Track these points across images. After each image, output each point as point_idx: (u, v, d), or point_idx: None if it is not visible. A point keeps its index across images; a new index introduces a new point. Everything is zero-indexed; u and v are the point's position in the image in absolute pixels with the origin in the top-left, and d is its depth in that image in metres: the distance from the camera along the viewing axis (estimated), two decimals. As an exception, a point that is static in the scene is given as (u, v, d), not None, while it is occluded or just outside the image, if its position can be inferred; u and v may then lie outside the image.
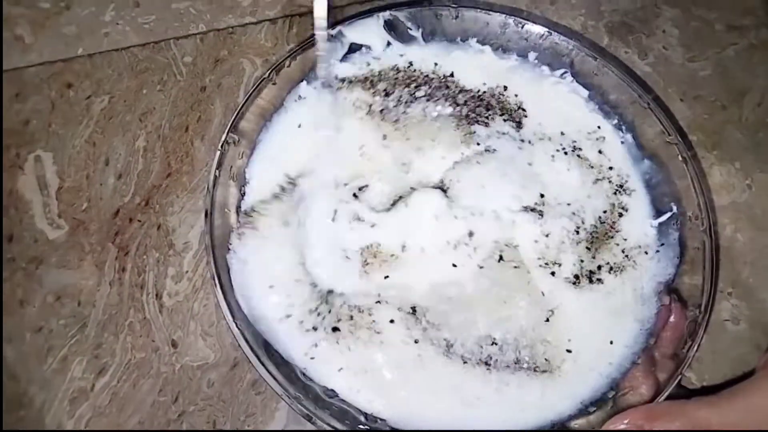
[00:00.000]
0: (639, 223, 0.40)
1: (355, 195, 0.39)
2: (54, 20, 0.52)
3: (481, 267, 0.37)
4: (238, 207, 0.39)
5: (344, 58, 0.43)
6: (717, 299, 0.42)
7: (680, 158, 0.39)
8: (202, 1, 0.53)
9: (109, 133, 0.48)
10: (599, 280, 0.38)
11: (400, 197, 0.39)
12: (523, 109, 0.42)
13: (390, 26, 0.42)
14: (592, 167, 0.41)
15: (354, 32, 0.42)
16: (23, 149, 0.47)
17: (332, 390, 0.35)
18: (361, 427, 0.33)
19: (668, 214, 0.39)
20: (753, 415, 0.31)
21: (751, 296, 0.43)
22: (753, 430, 0.31)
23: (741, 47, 0.52)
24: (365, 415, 0.34)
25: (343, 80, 0.42)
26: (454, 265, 0.37)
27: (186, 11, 0.53)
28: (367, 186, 0.39)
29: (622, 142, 0.42)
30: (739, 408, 0.31)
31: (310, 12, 0.52)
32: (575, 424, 0.34)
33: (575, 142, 0.42)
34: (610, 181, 0.41)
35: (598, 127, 0.43)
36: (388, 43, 0.42)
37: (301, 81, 0.42)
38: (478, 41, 0.43)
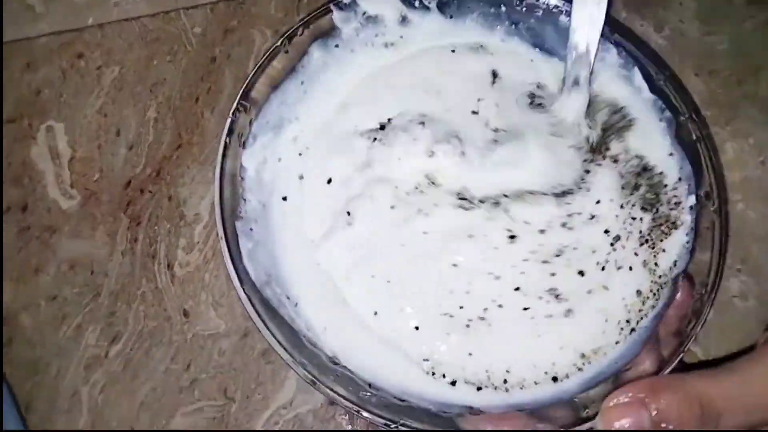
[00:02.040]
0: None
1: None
2: (64, -11, 0.52)
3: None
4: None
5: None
6: (726, 276, 0.42)
7: (694, 137, 0.38)
8: (213, -30, 0.53)
9: (120, 103, 0.48)
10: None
11: None
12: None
13: None
14: None
15: (368, 2, 0.41)
16: (35, 119, 0.47)
17: (336, 358, 0.35)
18: (363, 393, 0.34)
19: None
20: (752, 389, 0.31)
21: (760, 273, 0.43)
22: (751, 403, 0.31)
23: (759, 21, 0.51)
24: (369, 383, 0.35)
25: None
26: None
27: (196, -19, 0.52)
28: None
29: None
30: (738, 381, 0.31)
31: (321, -17, 0.52)
32: (577, 398, 0.34)
33: None
34: None
35: None
36: (403, 17, 0.42)
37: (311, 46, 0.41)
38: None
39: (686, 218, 0.38)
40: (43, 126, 0.47)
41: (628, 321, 0.36)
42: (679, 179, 0.39)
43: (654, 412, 0.29)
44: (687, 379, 0.31)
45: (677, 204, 0.39)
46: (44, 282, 0.43)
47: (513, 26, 0.43)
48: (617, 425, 0.29)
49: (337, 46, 0.42)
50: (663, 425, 0.29)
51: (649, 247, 0.38)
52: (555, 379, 0.35)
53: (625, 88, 0.41)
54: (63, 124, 0.47)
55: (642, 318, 0.36)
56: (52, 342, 0.41)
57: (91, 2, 0.51)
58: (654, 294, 0.37)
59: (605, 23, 0.40)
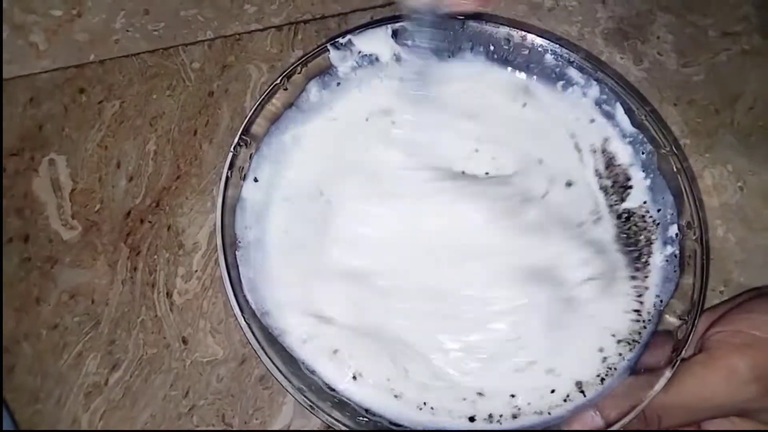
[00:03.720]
0: None
1: None
2: (67, 27, 0.54)
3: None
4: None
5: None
6: (709, 298, 0.44)
7: (675, 169, 0.40)
8: (210, 8, 0.55)
9: (121, 136, 0.49)
10: None
11: None
12: None
13: (397, 36, 0.43)
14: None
15: (363, 42, 0.43)
16: (37, 153, 0.49)
17: (333, 385, 0.36)
18: (360, 419, 0.34)
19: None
20: (688, 393, 0.34)
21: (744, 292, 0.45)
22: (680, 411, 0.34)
23: (734, 53, 0.53)
24: (366, 409, 0.35)
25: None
26: None
27: (194, 18, 0.54)
28: None
29: None
30: (678, 385, 0.33)
31: (315, 19, 0.54)
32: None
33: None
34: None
35: None
36: (396, 56, 0.44)
37: (307, 85, 0.43)
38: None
39: (668, 248, 0.40)
40: (46, 159, 0.48)
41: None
42: (659, 210, 0.41)
43: (603, 411, 0.34)
44: (634, 386, 0.34)
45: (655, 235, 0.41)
46: (45, 311, 0.44)
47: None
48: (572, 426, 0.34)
49: (338, 84, 0.44)
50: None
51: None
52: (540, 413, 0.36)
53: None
54: (65, 156, 0.48)
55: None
56: (53, 370, 0.42)
57: (93, 39, 0.53)
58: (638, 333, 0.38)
59: (588, 60, 0.42)
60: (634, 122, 0.42)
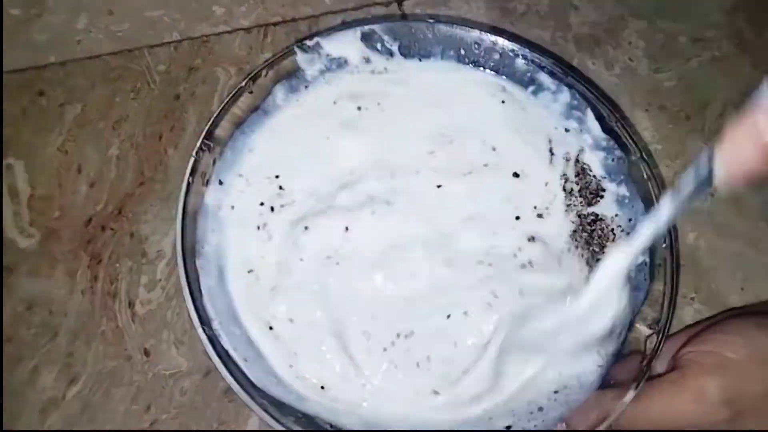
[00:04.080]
0: None
1: None
2: (25, 27, 0.52)
3: None
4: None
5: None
6: (680, 305, 0.44)
7: (645, 176, 0.40)
8: (176, 9, 0.53)
9: (82, 141, 0.48)
10: None
11: None
12: None
13: (366, 39, 0.42)
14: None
15: (331, 44, 0.42)
16: (-6, 157, 0.47)
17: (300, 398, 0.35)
18: None
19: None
20: (652, 410, 0.33)
21: (713, 301, 0.45)
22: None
23: (704, 59, 0.54)
24: (330, 424, 0.35)
25: None
26: None
27: (160, 19, 0.53)
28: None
29: None
30: (645, 401, 0.33)
31: (285, 22, 0.53)
32: None
33: None
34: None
35: None
36: (366, 59, 0.43)
37: (274, 88, 0.42)
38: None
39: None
40: (2, 164, 0.47)
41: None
42: (630, 220, 0.40)
43: (571, 424, 0.33)
44: (602, 398, 0.34)
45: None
46: (0, 323, 0.42)
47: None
48: None
49: (306, 87, 0.43)
50: None
51: None
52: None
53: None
54: (22, 161, 0.47)
55: None
56: (8, 384, 0.40)
57: (53, 40, 0.52)
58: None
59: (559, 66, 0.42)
60: (605, 128, 0.42)
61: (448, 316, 0.37)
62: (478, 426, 0.35)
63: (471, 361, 0.36)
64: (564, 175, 0.43)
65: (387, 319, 0.37)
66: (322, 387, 0.36)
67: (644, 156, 0.40)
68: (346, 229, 0.39)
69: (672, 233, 0.39)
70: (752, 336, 0.36)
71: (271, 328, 0.37)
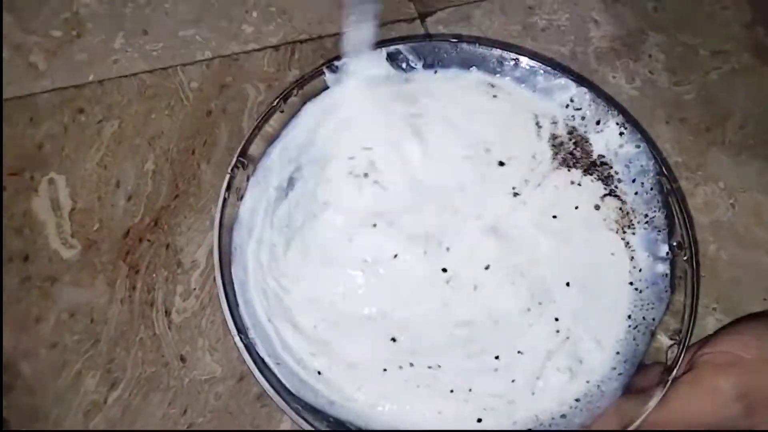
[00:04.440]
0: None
1: None
2: (66, 48, 0.54)
3: None
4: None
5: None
6: (701, 315, 0.44)
7: (665, 189, 0.41)
8: (208, 28, 0.55)
9: (120, 156, 0.50)
10: None
11: None
12: None
13: (391, 58, 0.44)
14: None
15: (359, 64, 0.44)
16: (37, 172, 0.49)
17: (333, 401, 0.36)
18: None
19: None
20: (671, 412, 0.35)
21: (734, 311, 0.45)
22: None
23: (724, 71, 0.54)
24: (359, 429, 0.36)
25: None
26: None
27: (192, 39, 0.55)
28: None
29: None
30: (662, 404, 0.35)
31: (311, 39, 0.55)
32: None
33: None
34: None
35: None
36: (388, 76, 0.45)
37: (303, 106, 0.44)
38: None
39: (659, 266, 0.40)
40: (45, 178, 0.49)
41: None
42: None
43: None
44: (625, 405, 0.35)
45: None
46: (44, 330, 0.44)
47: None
48: None
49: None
50: None
51: None
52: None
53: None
54: (64, 176, 0.49)
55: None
56: (52, 389, 0.42)
57: (92, 59, 0.54)
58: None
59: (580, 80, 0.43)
60: (627, 142, 0.43)
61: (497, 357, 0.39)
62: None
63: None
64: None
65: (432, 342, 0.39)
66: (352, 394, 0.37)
67: (665, 170, 0.41)
68: (395, 256, 0.40)
69: (693, 245, 0.39)
70: (765, 337, 0.37)
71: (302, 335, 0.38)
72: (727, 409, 0.34)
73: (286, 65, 0.54)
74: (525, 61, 0.44)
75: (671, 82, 0.54)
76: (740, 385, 0.34)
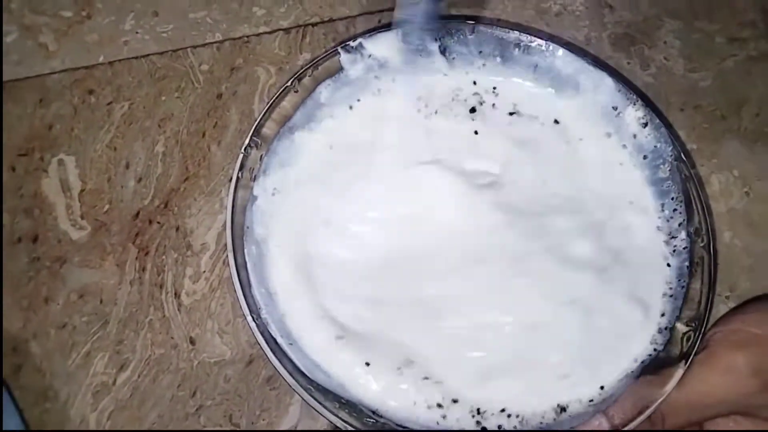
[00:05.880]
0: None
1: None
2: (76, 29, 0.54)
3: None
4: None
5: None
6: (715, 302, 0.44)
7: (684, 176, 0.40)
8: (219, 11, 0.55)
9: (129, 138, 0.50)
10: None
11: None
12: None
13: (405, 40, 0.43)
14: None
15: (374, 45, 0.43)
16: (47, 153, 0.49)
17: (341, 385, 0.36)
18: (367, 420, 0.35)
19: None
20: (691, 392, 0.34)
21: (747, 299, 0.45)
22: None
23: (740, 59, 0.54)
24: (373, 410, 0.36)
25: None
26: None
27: (203, 21, 0.55)
28: None
29: None
30: (680, 385, 0.34)
31: (323, 22, 0.54)
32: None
33: None
34: None
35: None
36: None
37: (317, 87, 0.43)
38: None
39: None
40: (55, 159, 0.49)
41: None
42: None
43: (610, 416, 0.34)
44: (639, 386, 0.35)
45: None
46: (54, 311, 0.44)
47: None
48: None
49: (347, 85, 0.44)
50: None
51: None
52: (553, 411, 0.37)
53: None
54: (74, 157, 0.49)
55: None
56: (62, 369, 0.42)
57: (102, 41, 0.54)
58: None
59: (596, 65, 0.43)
60: (644, 127, 0.42)
61: None
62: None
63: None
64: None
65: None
66: (365, 377, 0.37)
67: (683, 156, 0.41)
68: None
69: (710, 232, 0.39)
70: None
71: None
72: (743, 386, 0.34)
73: (297, 48, 0.53)
74: (542, 45, 0.43)
75: (686, 69, 0.53)
76: (755, 362, 0.34)
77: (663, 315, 0.38)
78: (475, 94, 0.45)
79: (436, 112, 0.44)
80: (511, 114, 0.45)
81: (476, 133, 0.44)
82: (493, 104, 0.45)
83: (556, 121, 0.44)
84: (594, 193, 0.43)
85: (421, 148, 0.43)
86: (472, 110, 0.44)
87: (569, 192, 0.43)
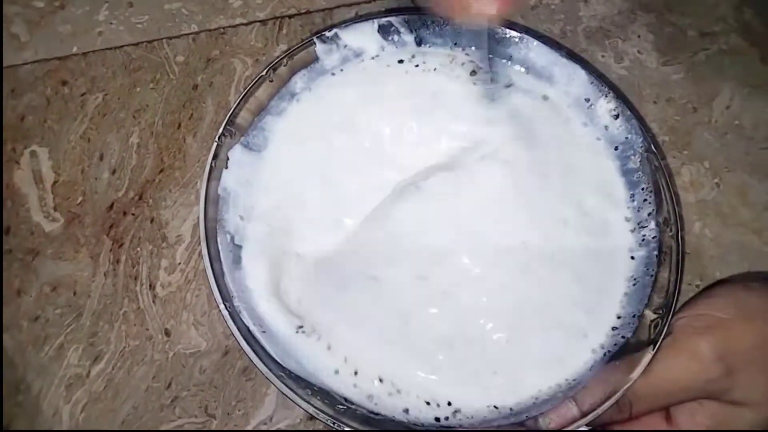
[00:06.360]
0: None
1: None
2: (49, 19, 0.53)
3: None
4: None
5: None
6: (686, 291, 0.44)
7: (653, 167, 0.41)
8: (194, 2, 0.55)
9: (104, 129, 0.49)
10: None
11: None
12: None
13: (383, 31, 0.43)
14: None
15: (350, 36, 0.43)
16: (19, 144, 0.48)
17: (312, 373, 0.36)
18: (339, 407, 0.35)
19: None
20: (656, 379, 0.35)
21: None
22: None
23: (712, 52, 0.54)
24: (344, 398, 0.36)
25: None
26: None
27: (178, 12, 0.54)
28: None
29: None
30: (642, 376, 0.34)
31: (300, 14, 0.54)
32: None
33: None
34: None
35: None
36: (382, 48, 0.44)
37: (292, 77, 0.43)
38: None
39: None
40: (27, 150, 0.48)
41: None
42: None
43: (579, 402, 0.34)
44: (607, 372, 0.35)
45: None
46: (26, 303, 0.44)
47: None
48: (549, 417, 0.34)
49: (333, 74, 0.44)
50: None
51: None
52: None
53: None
54: (47, 149, 0.48)
55: None
56: (34, 362, 0.42)
57: (76, 31, 0.53)
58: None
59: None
60: (615, 119, 0.43)
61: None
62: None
63: None
64: None
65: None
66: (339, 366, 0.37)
67: (653, 147, 0.41)
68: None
69: (678, 223, 0.40)
70: (740, 297, 0.38)
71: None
72: (707, 371, 0.35)
73: (273, 40, 0.53)
74: (517, 37, 0.44)
75: (659, 62, 0.54)
76: (719, 347, 0.35)
77: (626, 304, 0.39)
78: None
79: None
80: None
81: None
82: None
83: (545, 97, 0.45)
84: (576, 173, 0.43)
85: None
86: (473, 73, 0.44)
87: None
